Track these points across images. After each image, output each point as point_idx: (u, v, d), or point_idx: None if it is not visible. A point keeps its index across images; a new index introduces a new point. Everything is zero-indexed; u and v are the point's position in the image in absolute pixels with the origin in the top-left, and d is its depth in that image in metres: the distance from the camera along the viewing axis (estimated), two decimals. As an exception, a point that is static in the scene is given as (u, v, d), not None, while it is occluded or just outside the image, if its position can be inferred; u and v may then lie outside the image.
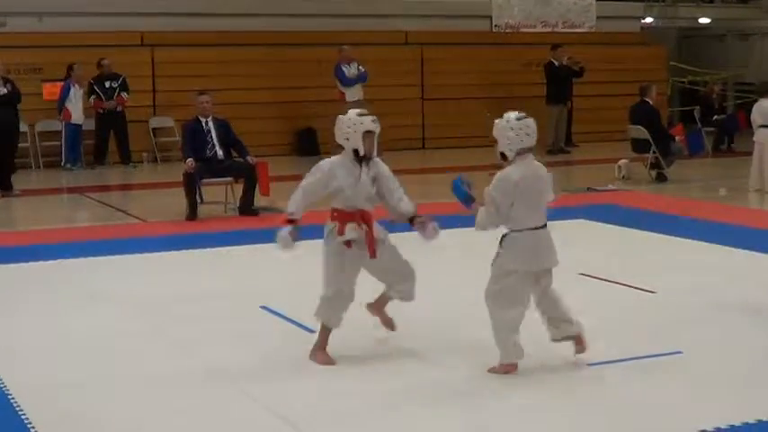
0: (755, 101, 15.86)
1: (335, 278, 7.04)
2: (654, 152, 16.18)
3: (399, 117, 21.44)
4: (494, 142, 6.66)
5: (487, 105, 22.17)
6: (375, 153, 7.11)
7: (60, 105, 18.63)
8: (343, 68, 19.84)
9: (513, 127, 6.58)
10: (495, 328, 6.73)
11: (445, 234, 11.83)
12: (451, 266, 9.86)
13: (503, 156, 6.67)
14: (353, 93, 19.91)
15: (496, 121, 6.69)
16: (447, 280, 9.19)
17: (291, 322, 8.00)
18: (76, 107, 18.68)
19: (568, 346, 6.95)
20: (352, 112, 7.16)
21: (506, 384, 6.49)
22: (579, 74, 21.47)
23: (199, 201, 13.13)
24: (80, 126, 18.83)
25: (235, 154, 13.40)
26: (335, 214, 7.11)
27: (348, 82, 19.82)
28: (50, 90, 18.85)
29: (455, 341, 7.45)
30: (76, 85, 18.66)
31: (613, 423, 5.84)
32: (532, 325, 7.60)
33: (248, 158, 13.19)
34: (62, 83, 18.67)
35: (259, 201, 13.32)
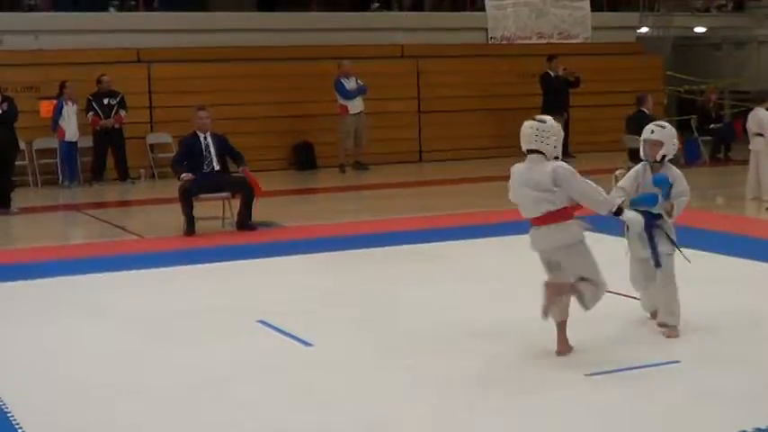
0: (751, 109, 15.87)
1: (597, 268, 7.32)
2: (650, 162, 16.19)
3: (396, 130, 21.51)
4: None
5: (484, 117, 22.30)
6: None
7: (54, 123, 18.64)
8: (343, 82, 19.95)
9: (675, 135, 7.76)
10: (672, 301, 7.70)
11: (453, 246, 11.88)
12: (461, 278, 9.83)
13: (663, 158, 7.67)
14: (355, 105, 20.04)
15: (657, 129, 7.70)
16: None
17: (290, 337, 8.00)
18: (70, 125, 18.67)
19: (570, 357, 7.01)
20: (553, 120, 7.31)
21: (505, 392, 6.49)
22: (575, 84, 21.53)
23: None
24: (75, 143, 18.82)
25: (232, 168, 13.44)
26: (570, 210, 7.27)
27: (349, 95, 19.94)
28: (47, 108, 18.85)
29: (462, 349, 7.45)
30: (69, 103, 18.66)
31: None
32: (534, 334, 7.63)
33: (241, 168, 13.25)
34: (55, 101, 18.69)
35: (256, 216, 13.33)
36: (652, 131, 7.68)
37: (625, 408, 6.23)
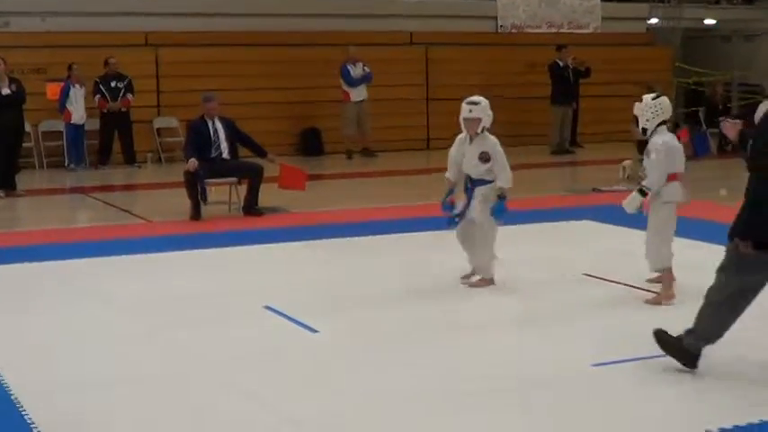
0: (760, 102, 15.81)
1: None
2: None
3: (404, 117, 21.47)
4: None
5: (492, 106, 22.22)
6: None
7: (61, 106, 18.63)
8: (349, 68, 19.89)
9: (488, 107, 8.86)
10: (489, 258, 9.06)
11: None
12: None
13: (482, 129, 8.88)
14: (358, 93, 19.99)
15: (474, 107, 8.83)
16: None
17: (295, 322, 7.97)
18: (77, 107, 18.67)
19: (577, 347, 6.98)
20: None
21: (510, 382, 6.46)
22: (586, 74, 21.50)
23: (202, 201, 13.05)
24: (82, 126, 18.82)
25: (247, 153, 13.47)
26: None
27: (353, 82, 19.89)
28: (54, 90, 18.84)
29: (467, 337, 7.42)
30: (77, 86, 18.65)
31: (617, 423, 5.81)
32: (539, 325, 7.61)
33: (270, 156, 13.29)
34: (62, 83, 18.67)
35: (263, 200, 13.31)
36: (470, 111, 8.80)
37: (631, 398, 6.21)
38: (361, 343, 7.47)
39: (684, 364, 6.54)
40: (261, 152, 13.45)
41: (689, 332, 6.56)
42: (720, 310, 6.52)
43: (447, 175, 9.04)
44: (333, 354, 7.23)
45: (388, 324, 7.96)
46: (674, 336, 6.61)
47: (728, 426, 5.63)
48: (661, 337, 6.67)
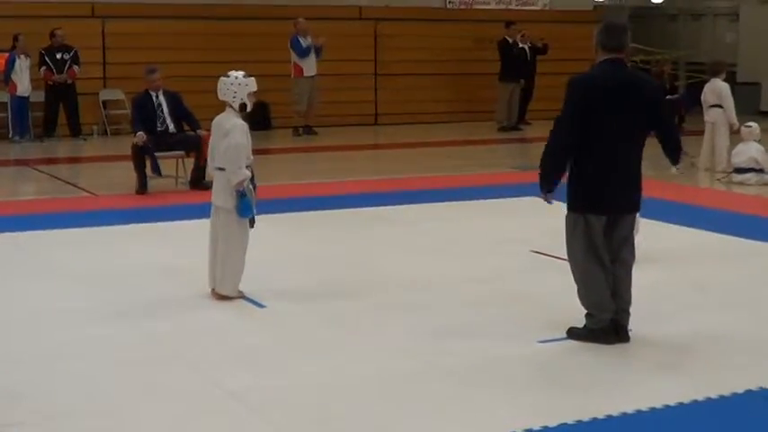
0: (706, 81, 15.94)
1: None
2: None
3: (352, 92, 21.43)
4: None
5: (441, 82, 22.26)
6: None
7: (6, 77, 18.39)
8: (300, 40, 19.76)
9: None
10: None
11: (407, 209, 11.86)
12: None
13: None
14: (310, 68, 19.84)
15: None
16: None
17: (241, 297, 7.95)
18: (23, 79, 18.45)
19: (524, 324, 7.02)
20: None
21: (454, 357, 6.48)
22: (543, 51, 21.64)
23: (156, 174, 12.98)
24: (27, 98, 18.61)
25: (187, 127, 13.34)
26: None
27: (303, 52, 19.70)
28: (-1, 61, 18.63)
29: (413, 313, 7.44)
30: (22, 57, 18.43)
31: (557, 400, 5.85)
32: (487, 299, 7.64)
33: (199, 132, 13.14)
34: (7, 54, 18.44)
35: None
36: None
37: (575, 375, 6.25)
38: (307, 318, 7.47)
39: (605, 342, 6.72)
40: (194, 127, 13.32)
41: (586, 316, 6.85)
42: (585, 282, 6.80)
43: (247, 171, 7.85)
44: (279, 329, 7.23)
45: (334, 299, 7.97)
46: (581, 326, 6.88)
47: (659, 405, 5.69)
48: (572, 332, 6.89)
